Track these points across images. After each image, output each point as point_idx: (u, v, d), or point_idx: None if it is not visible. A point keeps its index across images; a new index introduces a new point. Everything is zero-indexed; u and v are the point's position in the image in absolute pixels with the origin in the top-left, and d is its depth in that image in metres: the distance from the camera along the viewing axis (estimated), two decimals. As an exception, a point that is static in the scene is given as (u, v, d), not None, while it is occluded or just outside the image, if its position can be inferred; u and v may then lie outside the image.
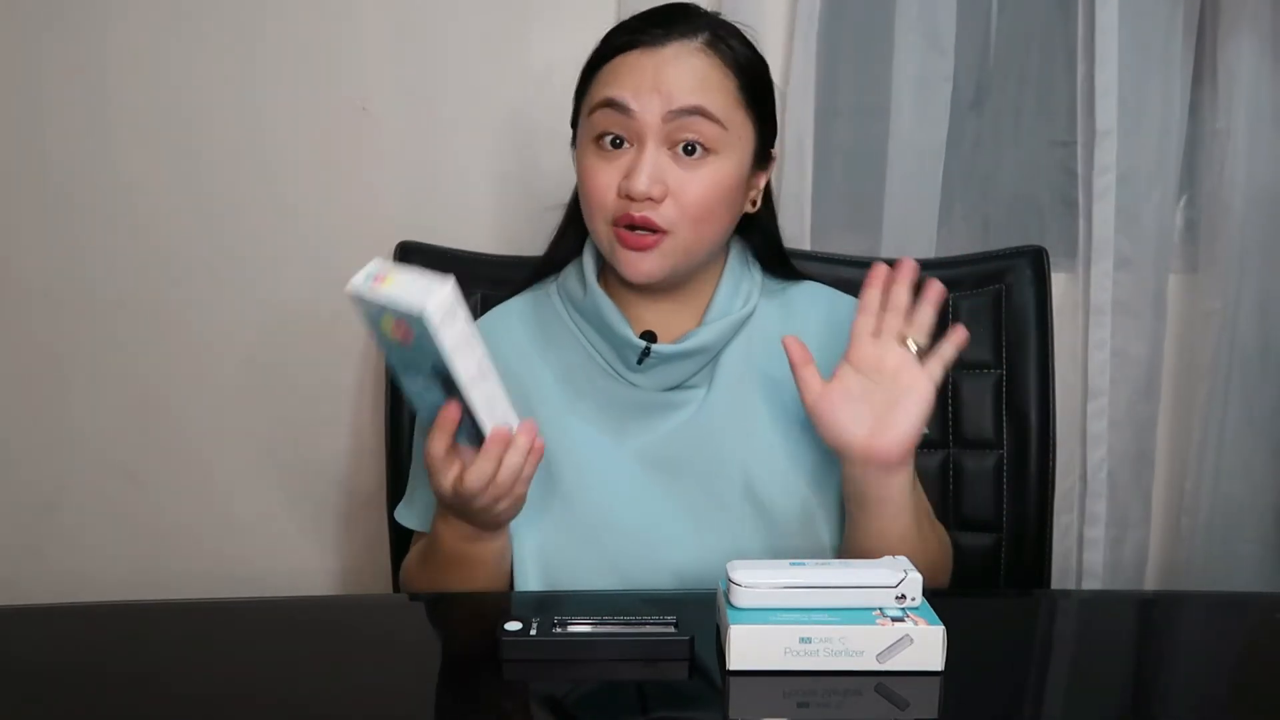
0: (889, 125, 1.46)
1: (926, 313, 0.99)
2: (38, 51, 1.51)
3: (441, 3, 1.50)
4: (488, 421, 0.90)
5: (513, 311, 1.18)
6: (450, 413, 0.90)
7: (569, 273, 1.15)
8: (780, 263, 1.18)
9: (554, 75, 1.50)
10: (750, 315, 1.12)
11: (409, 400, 0.95)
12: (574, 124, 1.12)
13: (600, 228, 1.06)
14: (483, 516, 0.97)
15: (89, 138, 1.53)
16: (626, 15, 1.12)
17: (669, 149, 1.03)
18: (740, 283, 1.13)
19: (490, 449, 0.91)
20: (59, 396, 1.60)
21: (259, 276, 1.56)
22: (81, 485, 1.62)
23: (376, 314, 0.86)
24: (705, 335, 1.08)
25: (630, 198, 1.02)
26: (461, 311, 0.85)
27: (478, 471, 0.91)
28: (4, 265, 1.56)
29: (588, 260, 1.12)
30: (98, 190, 1.54)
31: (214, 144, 1.53)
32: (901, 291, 0.99)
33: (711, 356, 1.10)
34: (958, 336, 0.99)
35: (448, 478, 0.93)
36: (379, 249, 1.45)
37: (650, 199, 1.01)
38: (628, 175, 1.02)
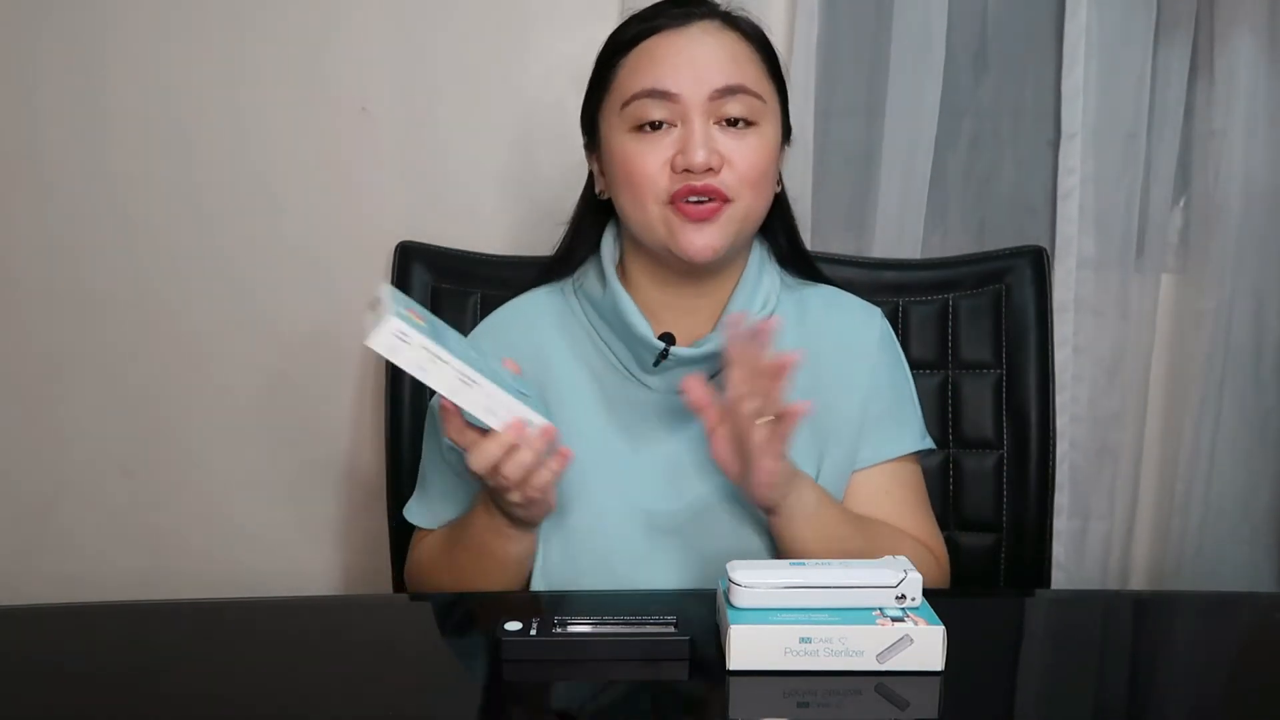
0: (883, 124, 1.47)
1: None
2: (35, 53, 1.51)
3: (441, 4, 1.50)
4: (491, 423, 0.91)
5: (525, 308, 1.17)
6: (445, 403, 0.92)
7: (586, 271, 1.14)
8: (799, 258, 1.17)
9: (554, 75, 1.50)
10: (769, 318, 1.11)
11: None
12: (588, 124, 1.11)
13: (653, 209, 1.04)
14: (512, 510, 0.98)
15: (87, 138, 1.53)
16: (629, 16, 1.11)
17: (714, 123, 1.03)
18: (759, 285, 1.12)
19: (497, 436, 0.91)
20: (58, 397, 1.60)
21: (259, 277, 1.56)
22: (80, 485, 1.62)
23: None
24: (722, 339, 1.07)
25: (689, 170, 1.02)
26: (416, 336, 0.87)
27: (482, 451, 0.92)
28: (2, 266, 1.56)
29: (607, 258, 1.11)
30: (96, 191, 1.54)
31: (214, 145, 1.53)
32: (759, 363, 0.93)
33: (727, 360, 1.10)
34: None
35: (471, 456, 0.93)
36: (379, 249, 1.47)
37: (710, 169, 1.02)
38: (682, 151, 1.02)
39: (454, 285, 1.38)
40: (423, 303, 1.37)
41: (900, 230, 1.48)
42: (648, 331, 1.06)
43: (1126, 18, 1.44)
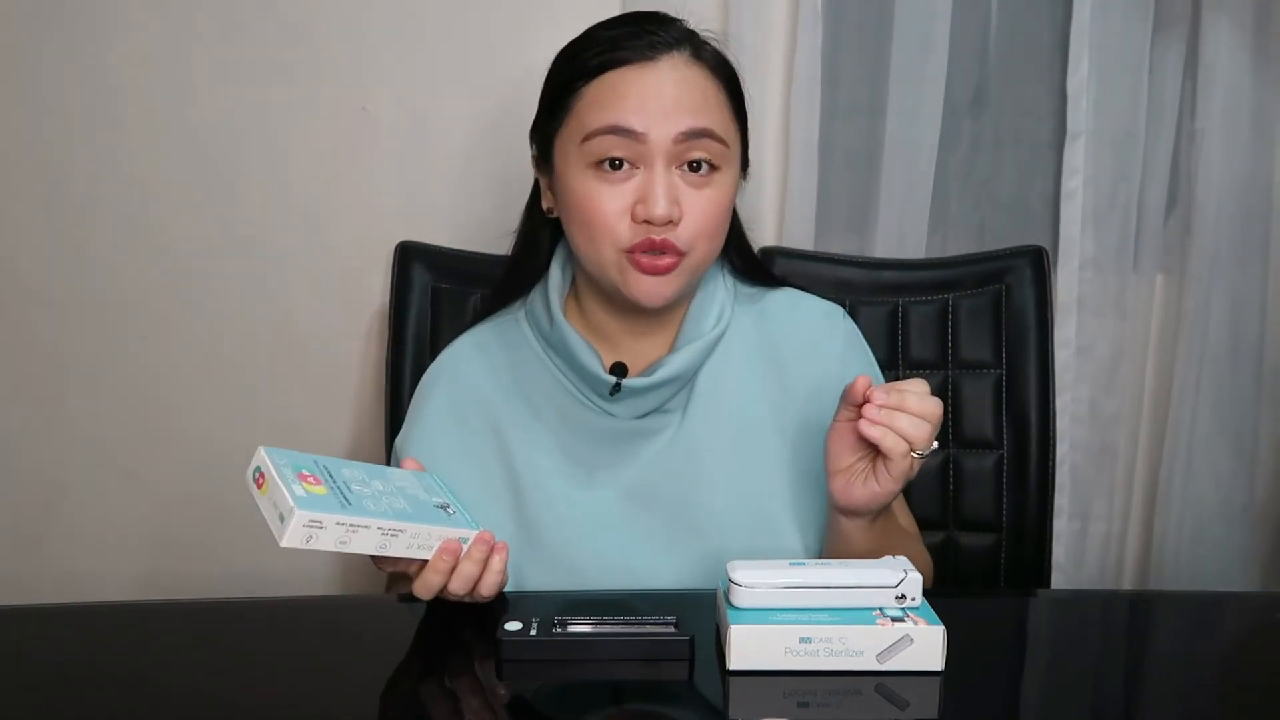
0: (885, 125, 1.47)
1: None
2: (41, 54, 1.51)
3: (442, 3, 1.50)
4: (424, 556, 0.90)
5: (479, 343, 1.15)
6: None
7: (535, 300, 1.13)
8: (754, 268, 1.16)
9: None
10: (723, 334, 1.10)
11: None
12: (540, 139, 1.08)
13: (608, 254, 1.02)
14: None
15: (90, 138, 1.53)
16: (590, 28, 1.09)
17: (676, 168, 1.01)
18: (711, 301, 1.11)
19: (435, 564, 0.90)
20: (60, 396, 1.60)
21: (259, 276, 1.56)
22: (81, 485, 1.62)
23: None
24: (676, 363, 1.06)
25: (649, 222, 0.99)
26: (328, 517, 0.85)
27: (424, 582, 0.90)
28: (5, 265, 1.57)
29: (553, 289, 1.10)
30: (98, 190, 1.54)
31: (214, 144, 1.53)
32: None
33: (685, 382, 1.08)
34: None
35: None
36: (379, 249, 1.47)
37: (670, 221, 1.00)
38: (642, 200, 1.00)
39: (454, 285, 1.38)
40: (422, 303, 1.38)
41: (903, 231, 1.48)
42: (598, 368, 1.05)
43: (1126, 17, 1.44)
